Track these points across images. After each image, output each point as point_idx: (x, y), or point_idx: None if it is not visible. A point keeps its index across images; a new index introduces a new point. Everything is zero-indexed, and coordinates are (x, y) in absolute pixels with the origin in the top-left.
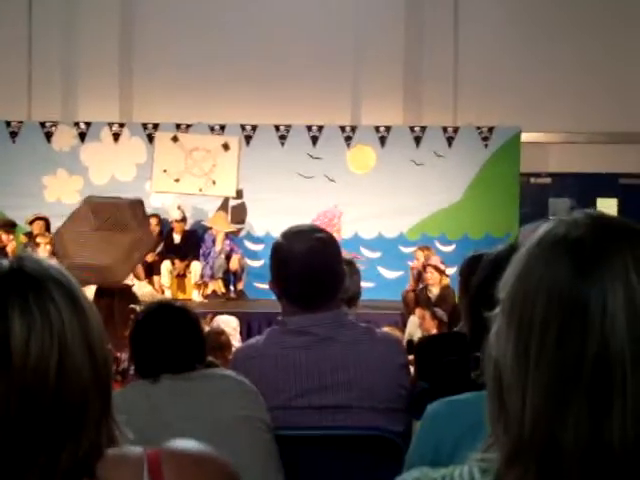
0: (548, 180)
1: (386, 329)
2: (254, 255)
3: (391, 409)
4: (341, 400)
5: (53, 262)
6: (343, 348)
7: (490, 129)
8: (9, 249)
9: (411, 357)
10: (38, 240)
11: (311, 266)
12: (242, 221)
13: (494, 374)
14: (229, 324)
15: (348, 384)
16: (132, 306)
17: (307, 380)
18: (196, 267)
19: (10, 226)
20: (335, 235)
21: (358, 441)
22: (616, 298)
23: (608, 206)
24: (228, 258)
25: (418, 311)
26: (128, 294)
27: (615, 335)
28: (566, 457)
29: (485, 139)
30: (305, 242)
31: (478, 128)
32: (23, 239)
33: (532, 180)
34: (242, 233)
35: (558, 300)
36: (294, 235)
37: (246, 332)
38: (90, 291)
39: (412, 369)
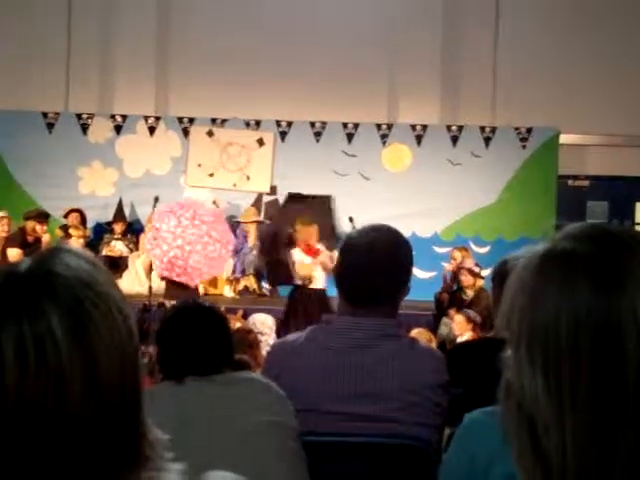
0: (586, 183)
1: (417, 330)
2: None
3: (425, 424)
4: (373, 410)
5: (87, 267)
6: (383, 359)
7: (528, 130)
8: (44, 240)
9: None
10: (71, 232)
11: (364, 261)
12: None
13: (521, 419)
14: (265, 323)
15: (381, 396)
16: (160, 300)
17: (340, 385)
18: (228, 263)
19: (44, 217)
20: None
21: (387, 450)
22: None
23: None
24: None
25: (451, 313)
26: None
27: None
28: None
29: (523, 140)
30: (368, 236)
31: (516, 129)
32: (59, 233)
33: (570, 183)
34: None
35: (585, 323)
36: (365, 228)
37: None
38: None
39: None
